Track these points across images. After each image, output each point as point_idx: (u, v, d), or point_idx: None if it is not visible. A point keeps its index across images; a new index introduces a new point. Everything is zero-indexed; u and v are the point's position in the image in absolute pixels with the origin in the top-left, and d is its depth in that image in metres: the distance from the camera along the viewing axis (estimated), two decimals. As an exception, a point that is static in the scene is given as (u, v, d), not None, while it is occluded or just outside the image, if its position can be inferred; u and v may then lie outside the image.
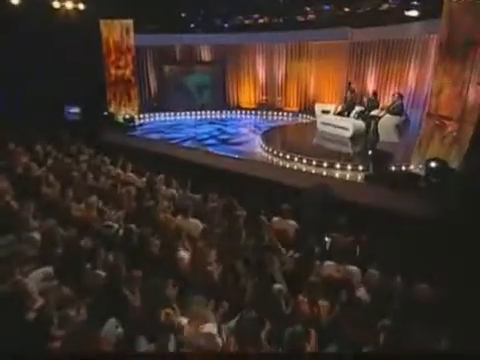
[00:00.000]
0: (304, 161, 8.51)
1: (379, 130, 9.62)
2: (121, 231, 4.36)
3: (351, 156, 9.01)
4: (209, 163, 8.33)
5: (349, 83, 12.49)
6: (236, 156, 8.85)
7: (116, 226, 4.50)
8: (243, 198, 5.32)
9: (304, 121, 14.10)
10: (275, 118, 14.72)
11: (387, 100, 11.51)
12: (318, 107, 12.99)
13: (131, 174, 6.85)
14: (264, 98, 15.34)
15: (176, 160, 8.51)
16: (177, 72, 14.96)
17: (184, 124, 13.47)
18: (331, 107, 12.43)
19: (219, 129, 12.71)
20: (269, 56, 15.43)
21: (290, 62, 15.20)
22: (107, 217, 4.75)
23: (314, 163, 8.36)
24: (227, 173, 7.73)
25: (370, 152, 7.70)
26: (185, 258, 3.92)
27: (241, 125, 13.24)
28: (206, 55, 15.77)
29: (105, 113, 12.78)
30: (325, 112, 12.24)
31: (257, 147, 10.11)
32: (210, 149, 9.67)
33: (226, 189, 5.62)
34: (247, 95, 15.83)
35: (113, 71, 13.25)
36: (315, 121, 12.21)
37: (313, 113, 13.30)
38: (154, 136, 11.55)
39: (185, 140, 11.01)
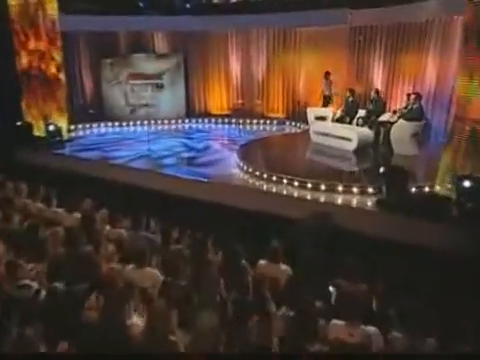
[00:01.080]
0: (296, 184, 8.56)
1: (392, 140, 9.90)
2: (43, 293, 4.17)
3: (357, 175, 9.23)
4: (170, 190, 8.32)
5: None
6: (206, 180, 8.88)
7: (35, 286, 4.28)
8: (217, 236, 5.31)
9: (293, 131, 14.37)
10: (255, 128, 15.00)
11: (399, 100, 12.03)
12: (311, 112, 13.36)
13: (58, 209, 6.64)
14: (239, 102, 15.51)
15: (124, 187, 8.46)
16: (121, 68, 15.04)
17: (134, 138, 13.52)
18: (327, 112, 12.93)
19: (182, 144, 12.84)
20: (245, 46, 15.59)
21: (273, 54, 15.34)
22: (22, 273, 4.53)
23: (309, 186, 8.41)
24: (195, 203, 7.72)
25: (382, 169, 7.78)
26: (138, 325, 3.75)
27: (211, 138, 13.44)
28: (161, 45, 15.85)
29: (19, 123, 12.45)
30: (320, 118, 12.74)
31: (233, 167, 10.12)
32: (170, 171, 9.70)
33: (194, 225, 5.63)
34: (217, 98, 16.05)
35: (29, 65, 12.71)
36: (307, 130, 12.43)
37: (304, 120, 13.67)
38: (91, 154, 11.42)
39: (135, 159, 11.01)
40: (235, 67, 15.89)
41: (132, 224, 5.97)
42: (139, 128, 14.97)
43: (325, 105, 13.64)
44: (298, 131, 14.10)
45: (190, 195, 8.03)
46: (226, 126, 15.19)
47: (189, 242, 5.38)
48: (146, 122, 15.17)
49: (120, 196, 7.34)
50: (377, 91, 12.04)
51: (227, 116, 15.64)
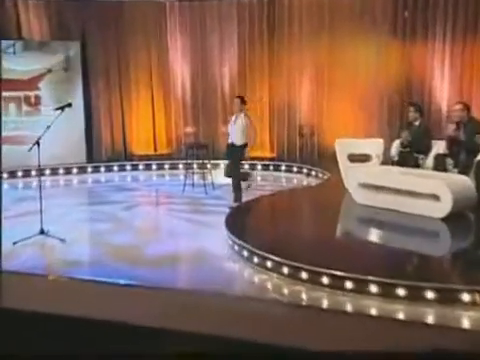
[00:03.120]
0: (350, 286, 7.83)
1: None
2: None
3: (465, 267, 8.78)
4: (120, 318, 6.34)
5: (409, 103, 12.56)
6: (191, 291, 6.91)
7: None
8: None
9: (302, 181, 14.55)
10: (221, 178, 14.22)
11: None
12: (343, 146, 12.72)
13: None
14: (189, 130, 15.77)
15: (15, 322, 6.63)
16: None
17: None
18: (375, 146, 12.37)
19: (99, 216, 11.80)
20: (199, 23, 15.82)
21: (253, 40, 15.54)
22: None
23: (374, 290, 7.74)
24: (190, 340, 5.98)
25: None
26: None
27: (143, 202, 13.12)
28: (35, 25, 15.30)
29: None
30: (361, 159, 12.30)
31: (221, 258, 9.39)
32: (102, 276, 8.39)
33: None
34: (145, 125, 16.07)
35: None
36: (330, 180, 12.94)
37: (318, 162, 14.44)
38: None
39: (24, 260, 9.29)
40: (180, 65, 16.00)
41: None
42: (6, 184, 14.22)
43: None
44: (312, 182, 14.06)
45: (172, 325, 6.17)
46: (166, 176, 15.32)
47: None
48: (20, 172, 14.51)
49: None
50: (466, 107, 11.19)
51: (166, 157, 15.72)
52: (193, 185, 13.34)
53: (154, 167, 15.33)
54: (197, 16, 15.92)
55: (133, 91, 15.87)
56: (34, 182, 14.21)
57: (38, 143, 9.81)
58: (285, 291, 7.96)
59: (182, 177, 14.20)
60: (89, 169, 15.05)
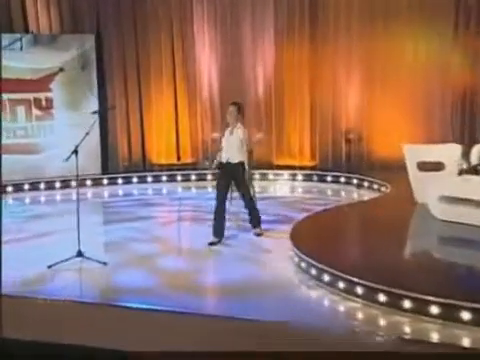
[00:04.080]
0: (435, 311, 7.68)
1: None
2: None
3: None
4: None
5: None
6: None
7: None
8: None
9: (352, 193, 14.29)
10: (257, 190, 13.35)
11: None
12: (412, 152, 12.25)
13: None
14: (218, 136, 14.51)
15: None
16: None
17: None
18: (450, 151, 11.91)
19: (132, 234, 11.25)
20: (229, 16, 15.40)
21: (292, 33, 15.13)
22: None
23: (466, 317, 7.49)
24: None
25: None
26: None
27: (187, 219, 12.40)
28: (44, 18, 15.02)
29: None
30: (433, 168, 11.93)
31: (289, 284, 9.03)
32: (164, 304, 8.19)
33: None
34: (167, 132, 15.71)
35: None
36: (400, 192, 12.38)
37: (373, 171, 14.18)
38: None
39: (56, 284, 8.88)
40: (207, 62, 15.67)
41: None
42: (11, 198, 13.91)
43: None
44: (364, 195, 13.76)
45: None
46: (192, 189, 14.86)
47: None
48: (27, 185, 14.05)
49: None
50: None
51: (191, 167, 15.50)
52: (231, 199, 12.64)
53: (179, 178, 14.90)
54: (227, 5, 15.46)
55: (154, 91, 15.45)
56: (42, 197, 14.20)
57: (76, 152, 9.42)
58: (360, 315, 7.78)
59: (211, 189, 13.69)
60: (105, 181, 14.66)
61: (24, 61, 14.48)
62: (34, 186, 14.19)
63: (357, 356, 6.05)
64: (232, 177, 10.15)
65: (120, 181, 14.74)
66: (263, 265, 9.52)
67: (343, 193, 14.18)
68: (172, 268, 9.76)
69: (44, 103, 14.67)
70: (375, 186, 13.54)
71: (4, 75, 13.65)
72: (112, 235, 11.26)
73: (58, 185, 14.19)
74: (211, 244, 9.68)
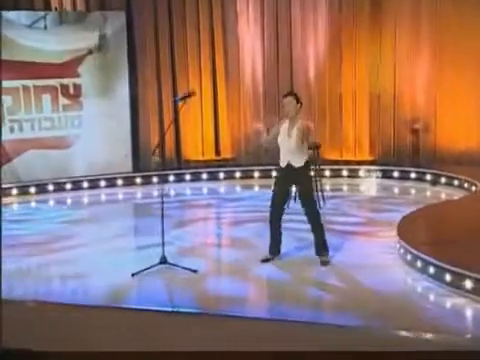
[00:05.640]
0: None
1: None
2: None
3: None
4: None
5: None
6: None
7: None
8: None
9: (426, 191, 13.92)
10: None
11: None
12: None
13: None
14: (261, 127, 13.79)
15: None
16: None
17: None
18: None
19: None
20: None
21: (353, 9, 14.68)
22: None
23: None
24: None
25: None
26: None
27: (258, 220, 11.65)
28: None
29: None
30: None
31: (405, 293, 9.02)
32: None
33: None
34: (209, 122, 15.47)
35: None
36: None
37: (445, 166, 13.99)
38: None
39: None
40: (251, 43, 15.30)
41: None
42: (34, 200, 13.51)
43: None
44: (440, 192, 13.47)
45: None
46: (236, 187, 14.58)
47: None
48: (51, 186, 13.71)
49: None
50: None
51: (232, 164, 15.25)
52: (295, 198, 11.57)
53: (221, 176, 14.58)
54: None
55: (191, 77, 15.06)
56: (69, 198, 13.77)
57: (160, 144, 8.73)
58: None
59: (257, 188, 14.04)
60: (137, 180, 14.40)
61: (49, 42, 14.06)
62: (60, 186, 13.69)
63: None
64: (295, 183, 9.47)
65: (155, 180, 14.08)
66: (371, 271, 9.26)
67: (413, 191, 13.83)
68: (267, 276, 9.43)
69: (72, 90, 14.24)
70: (456, 182, 13.17)
71: (27, 58, 13.58)
72: (183, 240, 10.82)
73: (86, 185, 13.86)
74: (264, 261, 9.21)
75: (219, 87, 15.21)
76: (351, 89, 14.85)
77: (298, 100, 9.47)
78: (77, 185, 13.95)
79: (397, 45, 14.57)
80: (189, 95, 9.60)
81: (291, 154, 8.96)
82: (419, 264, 8.98)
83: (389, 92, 14.64)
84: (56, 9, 14.44)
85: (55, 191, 13.76)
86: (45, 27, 13.99)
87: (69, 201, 13.58)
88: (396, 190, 14.07)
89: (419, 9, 14.29)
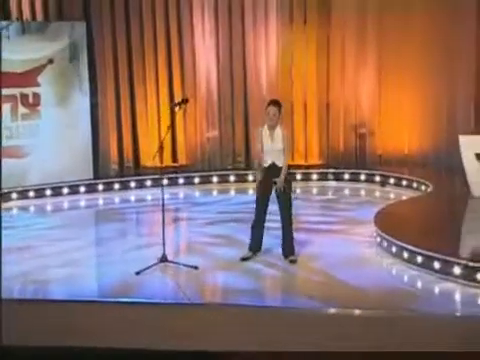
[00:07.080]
0: None
1: None
2: None
3: None
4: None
5: None
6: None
7: None
8: None
9: (374, 192, 14.37)
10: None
11: None
12: (469, 143, 12.38)
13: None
14: (213, 135, 15.65)
15: None
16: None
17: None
18: None
19: None
20: None
21: (300, 19, 15.04)
22: None
23: None
24: None
25: None
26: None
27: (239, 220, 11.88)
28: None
29: None
30: None
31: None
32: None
33: None
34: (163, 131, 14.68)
35: None
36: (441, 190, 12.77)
37: (390, 167, 14.30)
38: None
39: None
40: (206, 53, 15.37)
41: None
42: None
43: None
44: (390, 193, 13.86)
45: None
46: (196, 192, 14.81)
47: None
48: (14, 194, 13.65)
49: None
50: None
51: (191, 170, 15.37)
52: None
53: (181, 182, 14.66)
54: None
55: (148, 86, 15.16)
56: (31, 205, 13.79)
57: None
58: None
59: (216, 192, 14.37)
60: (100, 187, 14.33)
61: (13, 52, 13.91)
62: (23, 194, 13.63)
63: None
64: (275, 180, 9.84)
65: (117, 186, 14.37)
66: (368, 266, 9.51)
67: (363, 192, 14.16)
68: (265, 270, 9.65)
69: (31, 100, 14.19)
70: (404, 182, 13.59)
71: (-8, 68, 13.23)
72: (170, 241, 10.79)
73: (49, 193, 13.76)
74: (244, 259, 9.34)
75: (176, 95, 15.06)
76: (302, 98, 14.96)
77: (280, 109, 9.92)
78: (40, 193, 13.80)
79: (345, 56, 14.88)
80: (184, 101, 9.92)
81: (276, 154, 9.32)
82: (405, 255, 9.27)
83: (337, 100, 14.81)
84: (18, 19, 14.22)
85: (19, 198, 13.52)
86: (8, 36, 13.80)
87: (32, 208, 13.45)
88: (347, 191, 14.38)
89: (365, 23, 14.69)
